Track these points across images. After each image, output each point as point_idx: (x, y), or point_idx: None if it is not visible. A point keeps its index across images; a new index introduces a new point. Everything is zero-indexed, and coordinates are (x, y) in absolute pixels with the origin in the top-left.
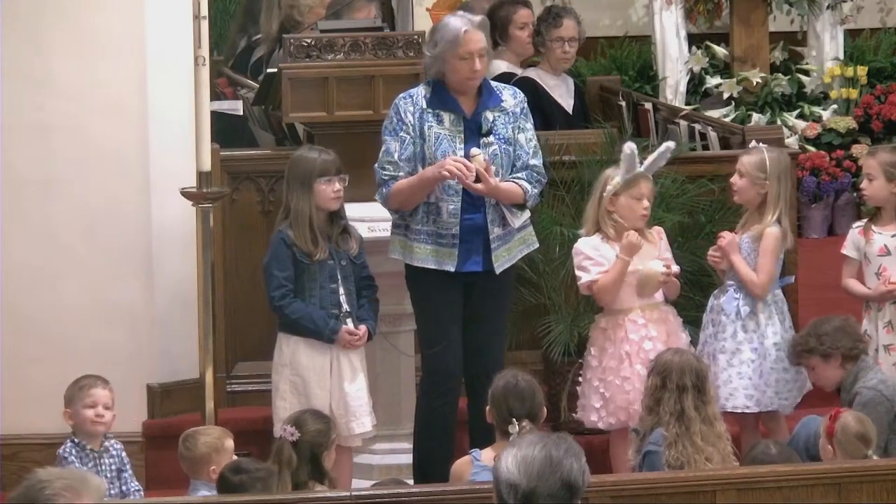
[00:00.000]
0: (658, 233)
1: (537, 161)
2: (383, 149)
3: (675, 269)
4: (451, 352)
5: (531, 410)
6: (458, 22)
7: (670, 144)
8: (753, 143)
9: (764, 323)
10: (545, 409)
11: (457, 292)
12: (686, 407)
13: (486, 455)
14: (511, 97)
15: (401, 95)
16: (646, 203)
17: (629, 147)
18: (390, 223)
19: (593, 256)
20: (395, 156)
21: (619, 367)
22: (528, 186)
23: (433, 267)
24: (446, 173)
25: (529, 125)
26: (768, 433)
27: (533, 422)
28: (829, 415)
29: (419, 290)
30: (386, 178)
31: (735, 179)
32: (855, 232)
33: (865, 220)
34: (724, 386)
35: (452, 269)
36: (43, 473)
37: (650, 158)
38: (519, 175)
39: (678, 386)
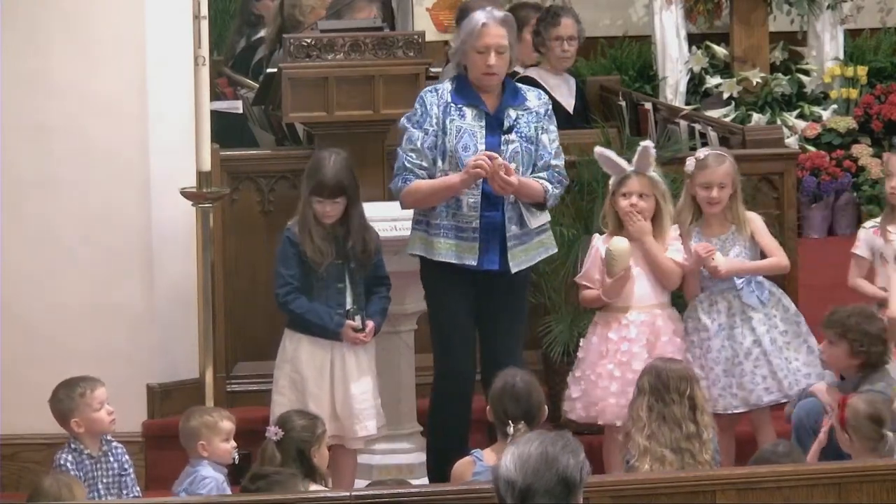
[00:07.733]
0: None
1: (559, 162)
2: (406, 136)
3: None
4: (465, 351)
5: (527, 411)
6: (480, 15)
7: (647, 143)
8: (704, 153)
9: (787, 301)
10: (545, 409)
11: (472, 290)
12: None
13: (487, 455)
14: (535, 98)
15: (427, 89)
16: (633, 199)
17: (596, 152)
18: (397, 221)
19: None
20: (418, 143)
21: (597, 363)
22: (549, 186)
23: (454, 261)
24: (478, 170)
25: (553, 127)
26: (754, 431)
27: (530, 423)
28: (837, 404)
29: (436, 286)
30: (409, 165)
31: (716, 193)
32: (869, 232)
33: (880, 220)
34: (779, 372)
35: (475, 264)
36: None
37: (634, 158)
38: (541, 175)
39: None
